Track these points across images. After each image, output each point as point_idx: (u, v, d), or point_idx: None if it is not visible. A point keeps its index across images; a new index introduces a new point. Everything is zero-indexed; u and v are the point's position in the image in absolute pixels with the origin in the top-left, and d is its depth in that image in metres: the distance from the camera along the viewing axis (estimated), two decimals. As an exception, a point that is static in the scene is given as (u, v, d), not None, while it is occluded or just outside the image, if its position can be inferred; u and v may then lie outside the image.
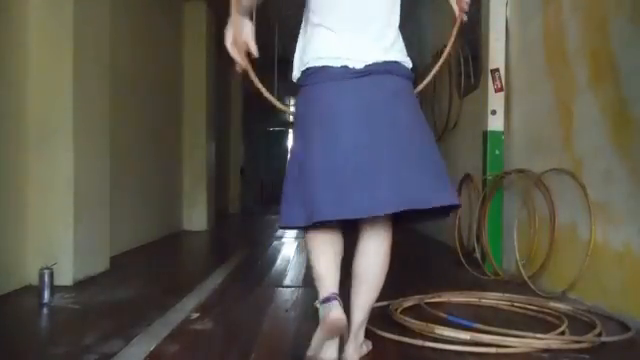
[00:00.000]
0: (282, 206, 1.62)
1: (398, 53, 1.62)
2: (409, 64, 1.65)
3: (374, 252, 1.61)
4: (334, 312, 1.49)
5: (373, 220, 1.58)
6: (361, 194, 1.49)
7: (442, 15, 4.92)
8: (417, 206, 1.52)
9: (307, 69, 1.60)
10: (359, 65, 1.56)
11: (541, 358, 1.73)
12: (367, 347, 1.76)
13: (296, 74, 1.67)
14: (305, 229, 1.61)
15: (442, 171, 1.60)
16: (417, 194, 1.51)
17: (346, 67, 1.56)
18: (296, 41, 1.71)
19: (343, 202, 1.49)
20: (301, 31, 1.72)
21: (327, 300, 1.53)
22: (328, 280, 1.58)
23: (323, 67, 1.57)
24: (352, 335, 1.61)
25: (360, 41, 1.57)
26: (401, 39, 1.67)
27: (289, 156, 1.69)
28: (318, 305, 1.57)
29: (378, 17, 1.60)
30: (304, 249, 4.35)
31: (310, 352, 1.56)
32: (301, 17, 1.73)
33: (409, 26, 6.43)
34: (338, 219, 1.51)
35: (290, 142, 15.10)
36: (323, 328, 1.52)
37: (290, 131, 16.07)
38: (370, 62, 1.56)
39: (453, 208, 1.60)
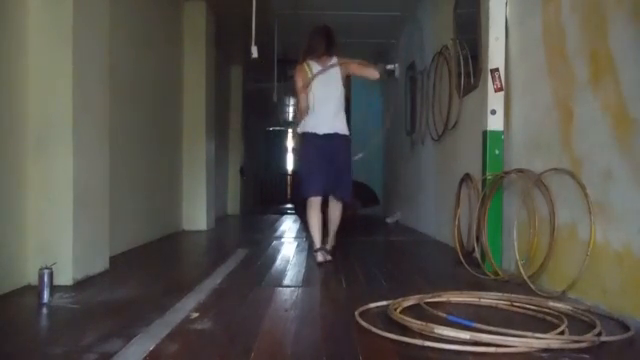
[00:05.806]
0: (302, 188, 3.68)
1: (342, 126, 3.67)
2: (346, 132, 3.69)
3: (334, 210, 3.81)
4: (320, 257, 3.58)
5: (333, 198, 3.77)
6: (326, 185, 3.64)
7: (442, 16, 4.92)
8: (341, 196, 3.76)
9: (304, 132, 3.68)
10: (322, 133, 3.62)
11: (541, 358, 1.73)
12: (333, 246, 3.90)
13: (300, 131, 3.74)
14: (308, 199, 3.68)
15: (351, 180, 3.76)
16: (341, 191, 3.73)
17: (316, 134, 3.62)
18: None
19: (320, 189, 3.64)
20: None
21: (316, 250, 3.62)
22: (317, 239, 3.65)
23: (310, 133, 3.64)
24: (329, 240, 3.84)
25: (325, 122, 3.62)
26: (344, 117, 3.72)
27: (301, 163, 3.79)
28: (314, 252, 3.64)
29: (335, 110, 3.65)
30: (303, 249, 4.36)
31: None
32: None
33: (410, 27, 6.44)
34: (320, 195, 3.69)
35: (290, 143, 18.32)
36: (317, 261, 3.58)
37: (289, 131, 17.78)
38: (328, 132, 3.62)
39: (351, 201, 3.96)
